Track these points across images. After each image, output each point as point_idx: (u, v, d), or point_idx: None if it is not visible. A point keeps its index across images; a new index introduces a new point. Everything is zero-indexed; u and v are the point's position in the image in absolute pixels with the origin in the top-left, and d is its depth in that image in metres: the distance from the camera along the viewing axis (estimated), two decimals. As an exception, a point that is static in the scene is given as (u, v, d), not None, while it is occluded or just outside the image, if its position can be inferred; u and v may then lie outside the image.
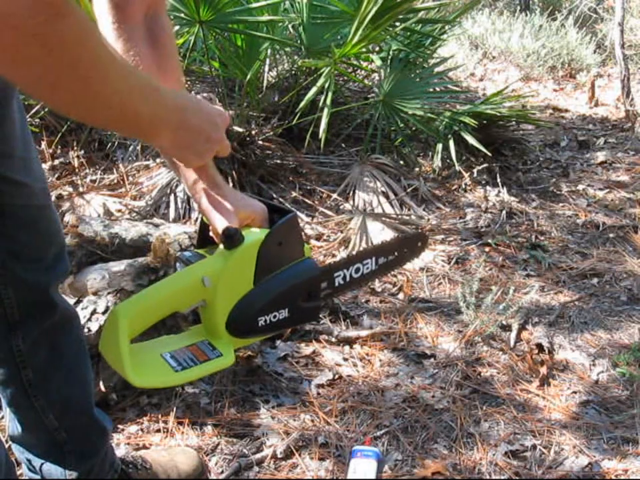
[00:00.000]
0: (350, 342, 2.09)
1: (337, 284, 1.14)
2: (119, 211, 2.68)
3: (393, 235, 2.67)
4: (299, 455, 1.64)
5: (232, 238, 0.97)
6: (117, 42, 1.02)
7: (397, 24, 3.10)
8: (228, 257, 0.98)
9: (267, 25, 3.06)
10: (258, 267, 0.99)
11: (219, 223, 1.02)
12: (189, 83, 3.41)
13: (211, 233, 1.08)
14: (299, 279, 1.04)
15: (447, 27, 3.67)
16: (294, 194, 2.98)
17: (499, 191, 3.22)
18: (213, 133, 0.96)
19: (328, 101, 2.90)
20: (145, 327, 0.95)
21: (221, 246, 1.01)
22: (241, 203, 1.06)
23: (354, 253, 1.28)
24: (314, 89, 2.94)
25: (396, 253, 1.25)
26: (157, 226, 2.09)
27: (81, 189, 2.76)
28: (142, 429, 1.69)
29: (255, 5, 2.90)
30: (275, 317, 1.02)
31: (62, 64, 0.69)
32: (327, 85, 2.92)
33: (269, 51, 3.18)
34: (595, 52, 5.93)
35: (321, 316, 2.19)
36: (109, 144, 3.13)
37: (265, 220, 1.07)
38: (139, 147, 3.04)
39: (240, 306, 0.98)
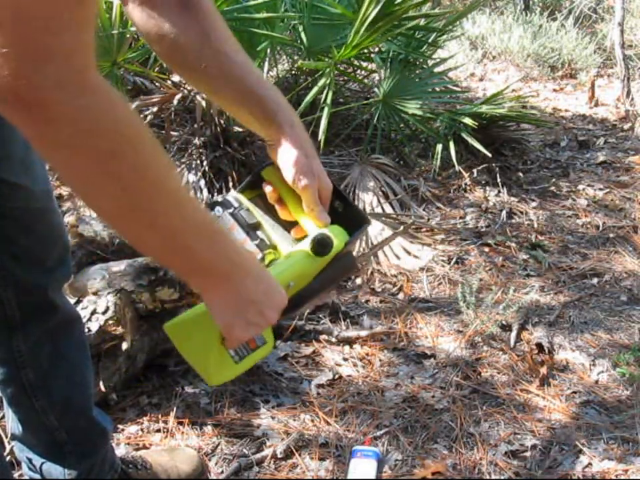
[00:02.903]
0: (350, 342, 2.09)
1: None
2: (119, 211, 2.68)
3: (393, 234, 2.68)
4: (299, 455, 1.64)
5: (326, 248, 0.97)
6: (148, 22, 0.94)
7: (396, 27, 3.09)
8: (314, 264, 0.98)
9: (265, 22, 3.05)
10: (326, 267, 1.00)
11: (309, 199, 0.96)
12: (189, 83, 3.41)
13: (266, 189, 1.02)
14: (342, 273, 1.07)
15: (446, 29, 3.66)
16: (294, 194, 2.98)
17: (499, 191, 3.22)
18: (267, 309, 0.88)
19: (328, 101, 2.90)
20: None
21: (305, 245, 0.98)
22: (320, 173, 0.98)
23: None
24: (314, 90, 2.94)
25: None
26: (157, 226, 2.09)
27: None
28: (142, 429, 1.69)
29: (252, 2, 2.89)
30: (312, 299, 1.04)
31: (87, 151, 0.64)
32: (326, 86, 2.92)
33: (268, 51, 3.18)
34: (595, 52, 5.92)
35: (320, 316, 2.19)
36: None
37: (328, 197, 1.01)
38: (139, 147, 3.04)
39: (295, 297, 0.98)
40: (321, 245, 0.96)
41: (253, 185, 1.04)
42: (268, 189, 1.01)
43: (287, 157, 0.96)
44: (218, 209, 1.00)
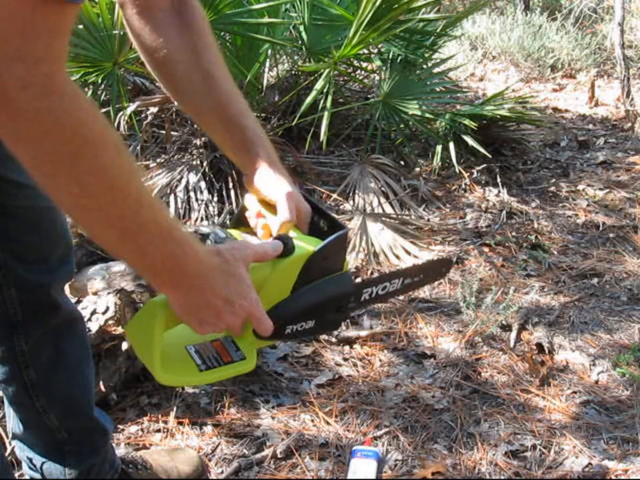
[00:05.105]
0: (350, 342, 2.09)
1: (362, 299, 1.14)
2: (119, 211, 2.68)
3: (393, 235, 2.67)
4: (299, 455, 1.64)
5: (284, 247, 0.95)
6: (143, 31, 0.96)
7: (396, 26, 3.09)
8: (276, 265, 0.95)
9: (267, 26, 3.06)
10: (299, 277, 0.98)
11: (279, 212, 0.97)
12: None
13: (248, 214, 1.03)
14: (333, 292, 1.03)
15: (445, 32, 3.66)
16: (294, 194, 2.98)
17: (499, 191, 3.22)
18: (226, 314, 0.87)
19: (328, 103, 2.90)
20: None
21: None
22: (297, 199, 1.00)
23: (386, 272, 1.27)
24: (314, 92, 2.94)
25: (421, 275, 1.25)
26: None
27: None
28: (142, 429, 1.69)
29: (255, 6, 2.89)
30: (301, 326, 1.02)
31: (46, 150, 0.66)
32: (326, 88, 2.92)
33: (269, 52, 3.18)
34: (594, 52, 5.92)
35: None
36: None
37: (307, 221, 1.02)
38: (138, 147, 3.04)
39: (271, 312, 0.96)
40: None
41: (242, 219, 1.05)
42: (251, 211, 1.02)
43: (265, 181, 0.98)
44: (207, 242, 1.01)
